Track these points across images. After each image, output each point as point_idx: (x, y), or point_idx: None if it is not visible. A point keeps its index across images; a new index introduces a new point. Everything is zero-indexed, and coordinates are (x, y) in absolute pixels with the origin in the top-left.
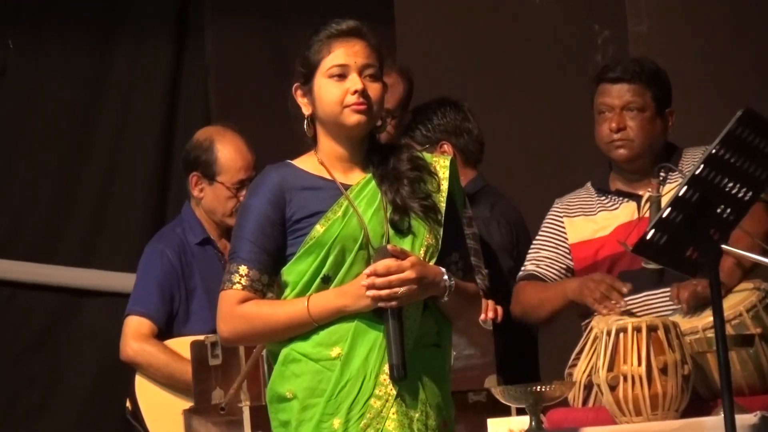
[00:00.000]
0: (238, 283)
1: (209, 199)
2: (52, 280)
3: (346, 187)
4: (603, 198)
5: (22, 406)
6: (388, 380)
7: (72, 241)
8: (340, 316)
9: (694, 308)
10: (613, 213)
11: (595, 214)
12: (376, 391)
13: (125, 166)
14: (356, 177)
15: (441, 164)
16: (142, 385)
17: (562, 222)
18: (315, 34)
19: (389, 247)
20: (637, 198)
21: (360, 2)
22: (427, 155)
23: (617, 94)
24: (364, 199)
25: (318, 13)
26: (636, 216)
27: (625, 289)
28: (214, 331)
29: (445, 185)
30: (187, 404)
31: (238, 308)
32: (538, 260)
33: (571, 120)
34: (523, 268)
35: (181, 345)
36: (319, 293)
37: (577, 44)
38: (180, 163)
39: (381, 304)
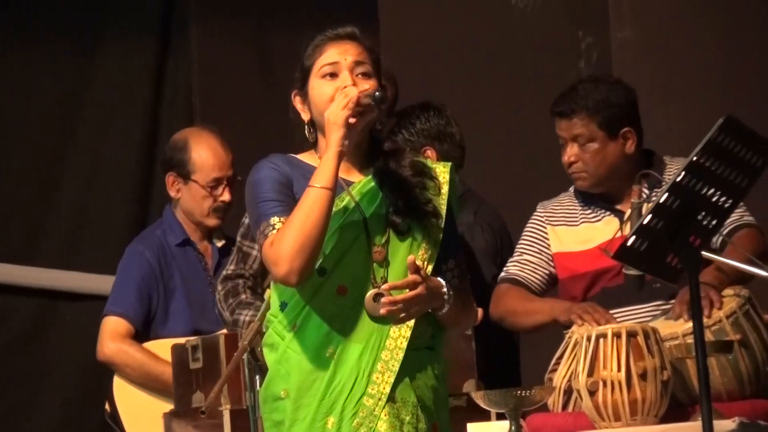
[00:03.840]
0: (273, 230)
1: (186, 199)
2: (34, 282)
3: (348, 183)
4: (586, 208)
5: (3, 407)
6: (381, 378)
7: (54, 243)
8: (335, 161)
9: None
10: (595, 226)
11: (577, 225)
12: (369, 390)
13: (108, 168)
14: (356, 177)
15: (441, 170)
16: (120, 387)
17: (545, 229)
18: (311, 41)
19: (409, 258)
20: (619, 213)
21: (344, 5)
22: (427, 161)
23: (564, 127)
24: (365, 197)
25: (302, 14)
26: (619, 234)
27: (609, 316)
28: (194, 332)
29: (445, 190)
30: (166, 406)
31: (274, 242)
32: (522, 264)
33: (554, 126)
34: (505, 270)
35: (161, 347)
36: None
37: (561, 50)
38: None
39: (394, 323)
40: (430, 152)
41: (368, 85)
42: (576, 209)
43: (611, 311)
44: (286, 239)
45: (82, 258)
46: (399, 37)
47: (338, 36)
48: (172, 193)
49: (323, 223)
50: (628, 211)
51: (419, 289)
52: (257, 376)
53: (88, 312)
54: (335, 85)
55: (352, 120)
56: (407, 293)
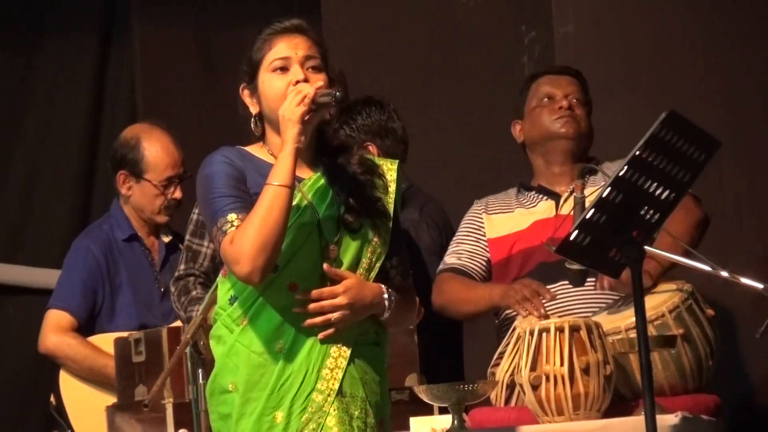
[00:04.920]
0: (231, 227)
1: (137, 197)
2: None
3: (298, 180)
4: (522, 197)
5: None
6: (330, 374)
7: None
8: (292, 158)
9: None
10: (530, 210)
11: (512, 211)
12: (318, 386)
13: (50, 162)
14: (306, 173)
15: (388, 167)
16: (66, 380)
17: (482, 218)
18: (258, 34)
19: (325, 267)
20: (556, 197)
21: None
22: (375, 158)
23: (563, 84)
24: (316, 194)
25: (244, 8)
26: (554, 213)
27: (548, 296)
28: (139, 327)
29: (392, 188)
30: (111, 399)
31: (234, 240)
32: (459, 253)
33: (497, 120)
34: (443, 262)
35: (106, 341)
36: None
37: (504, 45)
38: (106, 160)
39: (320, 336)
40: (371, 147)
41: (320, 79)
42: (511, 199)
43: (549, 286)
44: (246, 238)
45: (26, 252)
46: (341, 31)
47: (286, 29)
48: (123, 191)
49: (283, 221)
50: (565, 194)
51: (338, 300)
52: (200, 370)
53: (31, 306)
54: (286, 79)
55: (306, 117)
56: (323, 302)
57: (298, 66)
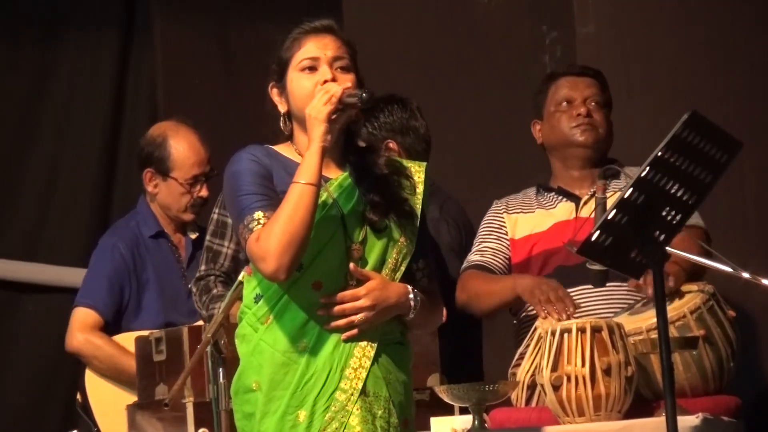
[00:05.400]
0: (258, 225)
1: (164, 195)
2: None
3: (325, 179)
4: (541, 198)
5: None
6: (353, 374)
7: (16, 234)
8: (318, 156)
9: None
10: (550, 211)
11: (532, 212)
12: (342, 385)
13: (71, 161)
14: (333, 172)
15: (416, 169)
16: (91, 379)
17: (503, 218)
18: (288, 33)
19: (351, 267)
20: (575, 199)
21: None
22: (403, 160)
23: (582, 86)
24: (342, 193)
25: (265, 8)
26: (574, 216)
27: (572, 309)
28: (165, 325)
29: (420, 190)
30: (136, 398)
31: (261, 238)
32: (482, 251)
33: (518, 120)
34: (467, 260)
35: (131, 340)
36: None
37: (525, 45)
38: (125, 157)
39: (343, 337)
40: (392, 145)
41: (348, 79)
42: (531, 199)
43: (569, 290)
44: (273, 236)
45: (44, 250)
46: (363, 30)
47: (316, 29)
48: (150, 189)
49: (310, 220)
50: (585, 197)
51: (361, 302)
52: (221, 369)
53: (50, 304)
54: (315, 78)
55: (333, 116)
56: (347, 305)
57: (326, 66)
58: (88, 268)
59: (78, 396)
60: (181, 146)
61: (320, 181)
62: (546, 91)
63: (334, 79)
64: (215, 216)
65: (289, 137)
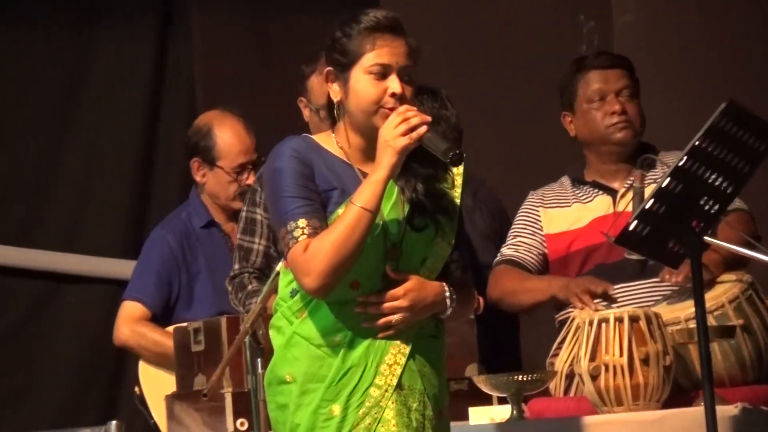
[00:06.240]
0: (302, 234)
1: (211, 184)
2: (34, 265)
3: (364, 174)
4: (577, 190)
5: (4, 389)
6: (388, 370)
7: (54, 225)
8: (383, 185)
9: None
10: (587, 206)
11: (569, 206)
12: (376, 381)
13: (109, 151)
14: (372, 168)
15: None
16: (144, 370)
17: (538, 212)
18: (354, 22)
19: (388, 271)
20: (612, 192)
21: None
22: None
23: (612, 78)
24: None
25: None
26: (612, 210)
27: (600, 290)
28: (218, 314)
29: (459, 182)
30: None
31: (308, 252)
32: (516, 245)
33: (554, 110)
34: (500, 254)
35: None
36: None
37: (563, 34)
38: (163, 148)
39: (380, 336)
40: None
41: (409, 91)
42: (567, 192)
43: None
44: (323, 253)
45: (83, 240)
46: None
47: (387, 28)
48: (197, 178)
49: (361, 245)
50: (622, 189)
51: (399, 302)
52: (259, 359)
53: (89, 295)
54: (382, 86)
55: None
56: (386, 305)
57: (395, 76)
58: (138, 261)
59: (137, 389)
60: (227, 135)
61: (378, 210)
62: (575, 84)
63: (402, 94)
64: (243, 213)
65: (332, 126)
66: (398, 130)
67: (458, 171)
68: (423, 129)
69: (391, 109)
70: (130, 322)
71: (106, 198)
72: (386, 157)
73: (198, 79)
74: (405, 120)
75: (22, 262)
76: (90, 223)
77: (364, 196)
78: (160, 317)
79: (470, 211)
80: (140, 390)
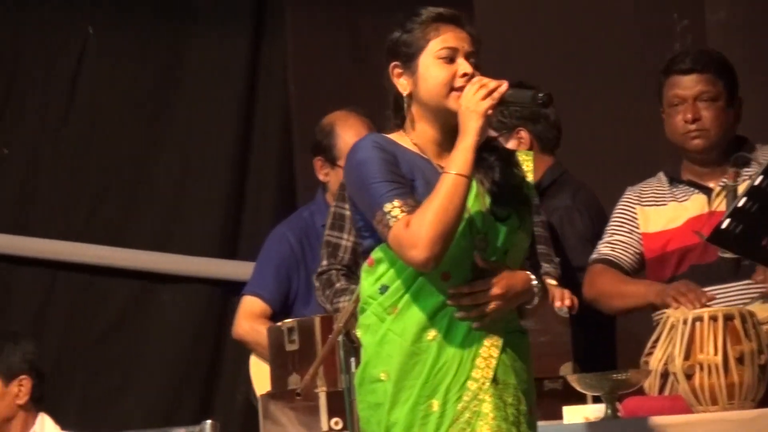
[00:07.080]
0: (401, 212)
1: (334, 183)
2: (130, 265)
3: (442, 168)
4: (674, 189)
5: (100, 389)
6: (484, 363)
7: (149, 225)
8: (472, 150)
9: None
10: (683, 204)
11: (666, 205)
12: (473, 374)
13: (203, 152)
14: (458, 139)
15: (524, 158)
16: (255, 366)
17: (635, 210)
18: (415, 16)
19: (476, 259)
20: (707, 191)
21: None
22: (508, 149)
23: (689, 84)
24: None
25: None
26: (707, 209)
27: (705, 298)
28: (336, 310)
29: (530, 177)
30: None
31: (411, 226)
32: (613, 244)
33: (648, 108)
34: (596, 251)
35: None
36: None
37: (656, 33)
38: (257, 148)
39: (475, 326)
40: (523, 133)
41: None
42: (664, 190)
43: (703, 289)
44: (427, 222)
45: (178, 240)
46: (493, 18)
47: (448, 18)
48: (320, 177)
49: (461, 210)
50: (717, 188)
51: (492, 291)
52: (352, 358)
53: (183, 294)
54: (451, 70)
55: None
56: (477, 294)
57: (463, 59)
58: (258, 257)
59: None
60: (348, 135)
61: (472, 174)
62: (662, 86)
63: (473, 74)
64: (332, 209)
65: (400, 125)
66: (479, 94)
67: (528, 168)
68: (504, 87)
69: (462, 89)
70: (250, 318)
71: (200, 198)
72: (472, 122)
73: (291, 79)
74: (483, 86)
75: (117, 263)
76: (185, 223)
77: (456, 162)
78: (279, 313)
79: (569, 211)
80: (252, 387)
